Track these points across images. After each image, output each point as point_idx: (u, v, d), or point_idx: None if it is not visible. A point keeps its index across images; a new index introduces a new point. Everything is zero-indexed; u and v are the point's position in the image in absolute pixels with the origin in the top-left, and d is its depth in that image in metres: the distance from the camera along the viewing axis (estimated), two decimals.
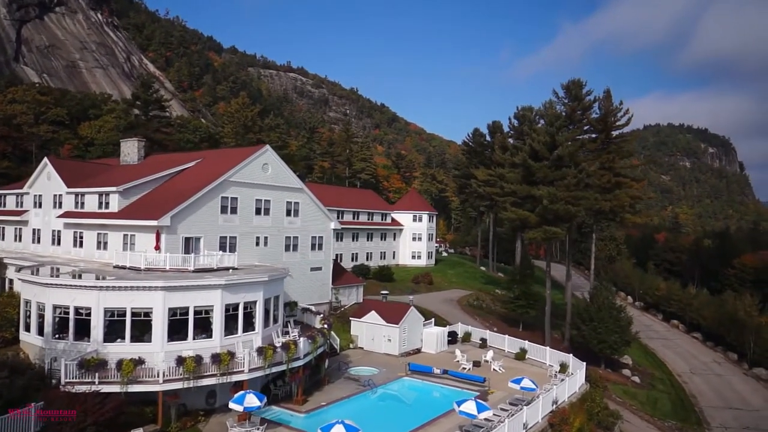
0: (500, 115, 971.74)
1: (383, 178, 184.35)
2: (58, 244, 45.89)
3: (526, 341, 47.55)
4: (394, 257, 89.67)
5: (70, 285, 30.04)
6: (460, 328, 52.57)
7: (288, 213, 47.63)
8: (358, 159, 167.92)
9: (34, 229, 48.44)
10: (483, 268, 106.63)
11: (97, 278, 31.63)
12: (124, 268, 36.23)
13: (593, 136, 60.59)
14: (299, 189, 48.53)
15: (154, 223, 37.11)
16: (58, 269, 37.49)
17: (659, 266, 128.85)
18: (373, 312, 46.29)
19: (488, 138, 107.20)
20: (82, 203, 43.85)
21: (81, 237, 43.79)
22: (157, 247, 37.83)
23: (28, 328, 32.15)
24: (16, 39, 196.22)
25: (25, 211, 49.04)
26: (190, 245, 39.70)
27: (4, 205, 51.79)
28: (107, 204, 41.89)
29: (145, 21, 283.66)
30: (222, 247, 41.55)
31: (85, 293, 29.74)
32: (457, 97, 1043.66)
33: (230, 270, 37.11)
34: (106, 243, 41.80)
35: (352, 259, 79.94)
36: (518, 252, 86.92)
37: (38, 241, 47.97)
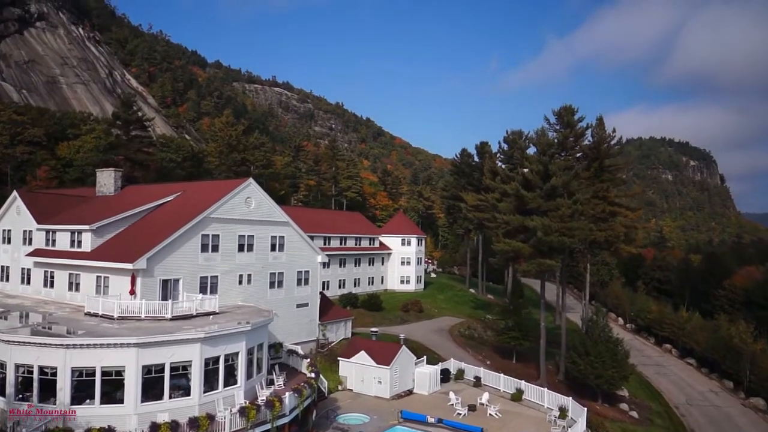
0: (486, 129, 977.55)
1: (370, 195, 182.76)
2: (28, 283, 43.19)
3: (523, 381, 45.62)
4: (382, 282, 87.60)
5: (34, 343, 27.54)
6: (453, 365, 50.53)
7: (273, 248, 45.41)
8: (345, 177, 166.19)
9: (2, 266, 45.69)
10: (472, 291, 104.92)
11: (67, 332, 29.19)
12: (96, 315, 33.77)
13: (585, 163, 59.34)
14: (284, 222, 46.39)
15: (129, 266, 34.75)
16: (26, 315, 34.95)
17: (648, 285, 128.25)
18: (362, 352, 44.12)
19: (476, 159, 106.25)
20: (54, 240, 41.30)
21: (52, 277, 41.18)
22: (132, 291, 35.44)
23: None
24: None
25: None
26: (168, 288, 37.32)
27: None
28: (79, 242, 39.40)
29: (128, 36, 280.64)
30: (203, 288, 39.25)
31: (51, 351, 27.26)
32: (443, 112, 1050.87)
33: (211, 317, 34.83)
34: (78, 284, 39.25)
35: (340, 286, 77.73)
36: (509, 277, 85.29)
37: (6, 279, 45.20)
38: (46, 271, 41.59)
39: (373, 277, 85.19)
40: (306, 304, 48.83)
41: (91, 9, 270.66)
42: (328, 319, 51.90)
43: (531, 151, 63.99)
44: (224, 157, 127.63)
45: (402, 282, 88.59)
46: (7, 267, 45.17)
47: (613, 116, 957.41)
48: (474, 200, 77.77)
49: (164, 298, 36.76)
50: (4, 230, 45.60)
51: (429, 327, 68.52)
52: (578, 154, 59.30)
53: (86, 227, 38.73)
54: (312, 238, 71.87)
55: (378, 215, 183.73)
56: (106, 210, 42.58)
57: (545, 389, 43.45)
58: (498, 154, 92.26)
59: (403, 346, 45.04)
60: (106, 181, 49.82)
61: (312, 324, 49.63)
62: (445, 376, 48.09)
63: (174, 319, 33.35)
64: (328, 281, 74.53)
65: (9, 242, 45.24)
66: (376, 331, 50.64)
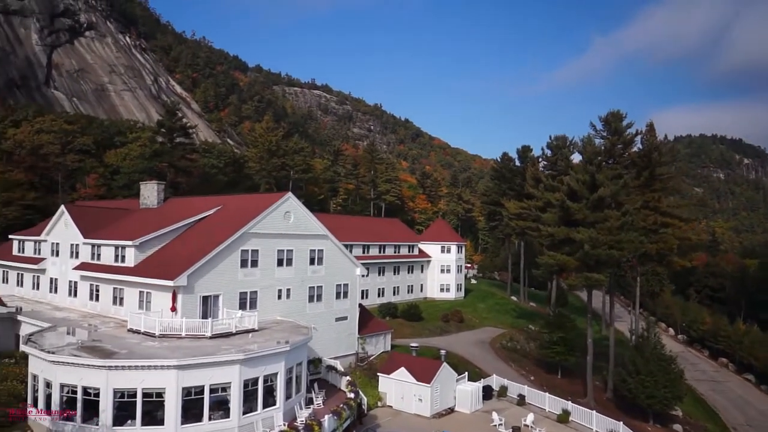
0: (527, 129, 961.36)
1: (408, 198, 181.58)
2: (75, 296, 44.11)
3: (569, 401, 43.84)
4: (422, 290, 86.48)
5: (78, 364, 27.78)
6: (496, 381, 49.12)
7: (312, 262, 45.05)
8: (383, 180, 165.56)
9: (51, 278, 46.86)
10: (514, 298, 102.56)
11: (109, 352, 29.36)
12: (138, 332, 34.02)
13: (635, 171, 56.68)
14: (323, 236, 45.94)
15: (170, 283, 34.90)
16: (73, 330, 35.54)
17: (701, 292, 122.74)
18: (402, 369, 43.20)
19: (518, 162, 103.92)
20: (99, 255, 42.02)
21: (97, 290, 41.91)
22: (174, 308, 35.59)
23: (36, 404, 30.01)
24: (47, 64, 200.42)
25: (43, 259, 47.51)
26: (208, 304, 37.38)
27: (23, 251, 50.42)
28: (123, 257, 39.95)
29: (172, 43, 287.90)
30: (242, 304, 39.16)
31: (94, 372, 27.49)
32: (483, 112, 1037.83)
33: (250, 335, 34.63)
34: (122, 299, 39.80)
35: (379, 295, 77.06)
36: (553, 284, 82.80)
37: (55, 291, 46.32)
38: (92, 285, 42.36)
39: (412, 286, 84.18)
40: (345, 318, 48.28)
41: (137, 17, 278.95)
42: (367, 332, 51.23)
43: (575, 157, 61.68)
44: (264, 163, 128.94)
45: (442, 290, 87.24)
46: (56, 279, 46.27)
47: (660, 113, 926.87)
48: (516, 208, 75.83)
49: (204, 314, 36.89)
50: (53, 243, 46.73)
51: (470, 338, 67.06)
52: (627, 162, 56.72)
53: (129, 243, 39.21)
54: (351, 246, 72.00)
55: (417, 218, 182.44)
56: (148, 224, 43.07)
57: (594, 412, 41.58)
58: (540, 159, 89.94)
59: (444, 364, 43.90)
60: (149, 193, 50.56)
61: (351, 338, 49.05)
62: (487, 393, 46.71)
63: (214, 337, 33.28)
64: (366, 290, 73.98)
65: (57, 255, 46.34)
66: (417, 347, 49.67)
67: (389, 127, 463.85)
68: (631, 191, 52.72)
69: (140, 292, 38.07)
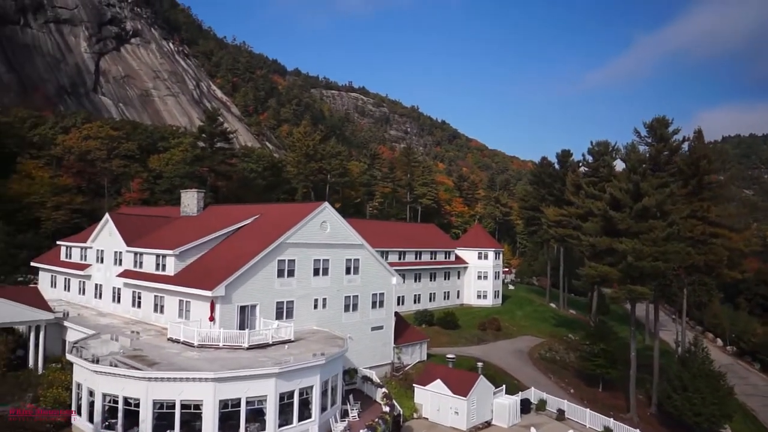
0: (566, 129, 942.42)
1: (445, 202, 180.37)
2: (118, 302, 45.29)
3: (611, 418, 42.46)
4: (458, 297, 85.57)
5: (120, 374, 28.40)
6: (534, 395, 48.04)
7: (347, 271, 45.03)
8: (420, 183, 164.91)
9: (96, 284, 48.26)
10: (553, 305, 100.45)
11: (149, 363, 29.93)
12: (177, 342, 34.62)
13: (681, 180, 54.51)
14: (359, 245, 45.86)
15: (208, 293, 35.39)
16: (116, 338, 36.46)
17: (751, 301, 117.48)
18: (438, 381, 42.70)
19: (557, 166, 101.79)
20: (141, 263, 43.02)
21: (139, 297, 42.94)
22: (212, 318, 36.07)
23: (79, 411, 30.87)
24: (95, 71, 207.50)
25: (89, 265, 48.97)
26: (245, 313, 37.76)
27: (70, 257, 52.12)
28: (164, 266, 40.77)
29: (214, 48, 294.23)
30: (279, 314, 39.44)
31: (134, 383, 28.06)
32: (520, 113, 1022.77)
33: (286, 346, 34.79)
34: (162, 306, 40.64)
35: (415, 301, 76.60)
36: (594, 292, 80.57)
37: (100, 297, 47.68)
38: (134, 292, 43.41)
39: (448, 292, 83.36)
40: (381, 327, 48.07)
41: (180, 24, 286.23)
42: (403, 341, 50.89)
43: (617, 162, 59.75)
44: (302, 167, 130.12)
45: (479, 297, 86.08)
46: (101, 285, 47.62)
47: (707, 112, 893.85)
48: (555, 215, 74.16)
49: (242, 323, 37.31)
50: (98, 250, 48.12)
51: (507, 348, 65.90)
52: (673, 170, 54.60)
53: (170, 252, 39.98)
54: (386, 253, 71.83)
55: (453, 222, 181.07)
56: (188, 233, 43.85)
57: (638, 431, 40.13)
58: (581, 164, 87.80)
59: (481, 376, 43.18)
60: (190, 201, 51.54)
61: (387, 347, 48.80)
62: (525, 406, 45.73)
63: (251, 348, 33.57)
64: (402, 296, 73.67)
65: (102, 261, 47.69)
66: (453, 358, 49.04)
67: (426, 129, 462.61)
68: (677, 200, 50.75)
69: (180, 300, 38.76)
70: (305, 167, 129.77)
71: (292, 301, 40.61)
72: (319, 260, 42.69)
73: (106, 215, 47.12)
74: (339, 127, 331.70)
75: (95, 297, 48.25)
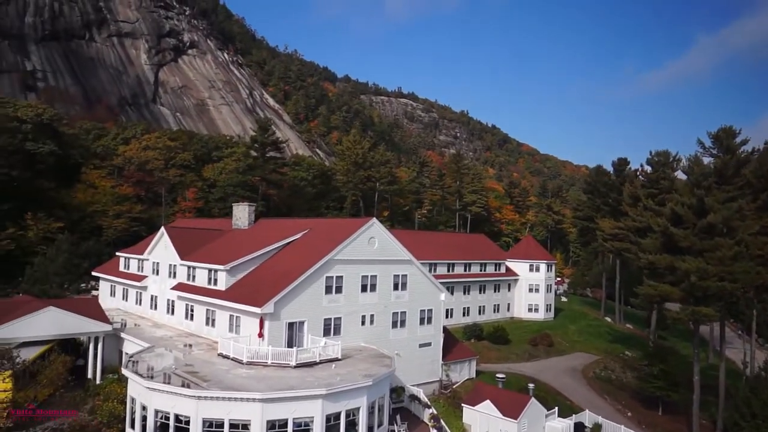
0: (622, 132, 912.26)
1: (495, 209, 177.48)
2: (172, 313, 46.47)
3: None
4: (508, 310, 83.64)
5: (171, 392, 28.92)
6: (588, 418, 46.18)
7: (395, 287, 44.60)
8: (469, 191, 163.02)
9: (152, 295, 49.72)
10: (608, 319, 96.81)
11: (197, 383, 30.37)
12: (227, 358, 35.08)
13: (750, 194, 51.27)
14: (407, 261, 45.36)
15: (257, 310, 35.74)
16: (169, 351, 37.33)
17: None
18: (488, 401, 41.67)
19: (612, 175, 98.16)
20: (194, 276, 43.99)
21: (192, 310, 43.90)
22: (261, 335, 36.39)
23: (133, 425, 31.64)
24: (154, 81, 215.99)
25: (145, 276, 50.56)
26: (293, 330, 37.92)
27: (128, 268, 53.98)
28: (215, 281, 41.52)
29: (266, 57, 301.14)
30: (326, 330, 39.42)
31: (185, 401, 28.49)
32: (574, 116, 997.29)
33: (333, 365, 34.65)
34: (214, 320, 41.37)
35: (464, 314, 75.38)
36: (653, 314, 76.94)
37: (155, 308, 49.07)
38: (187, 305, 44.42)
39: (498, 305, 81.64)
40: (429, 344, 47.36)
41: (234, 34, 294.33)
42: (451, 358, 49.97)
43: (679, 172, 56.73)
44: (351, 175, 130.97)
45: (530, 310, 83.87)
46: (156, 296, 49.03)
47: None
48: (611, 228, 71.37)
49: (290, 340, 37.49)
50: (154, 262, 49.59)
51: (560, 365, 63.79)
52: (741, 183, 51.40)
53: (221, 267, 40.68)
54: (435, 265, 71.08)
55: (503, 230, 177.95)
56: (239, 247, 44.56)
57: None
58: (638, 173, 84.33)
59: (533, 398, 41.83)
60: (241, 215, 52.44)
61: (435, 364, 48.02)
62: (579, 430, 44.03)
63: (298, 366, 33.61)
64: (451, 309, 72.62)
65: (158, 273, 49.10)
66: (503, 377, 47.75)
67: (476, 134, 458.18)
68: (746, 216, 47.74)
69: (231, 315, 39.33)
70: (354, 175, 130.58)
71: (340, 318, 40.52)
72: (367, 276, 42.46)
73: (162, 229, 48.52)
74: (388, 133, 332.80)
75: (151, 308, 49.70)
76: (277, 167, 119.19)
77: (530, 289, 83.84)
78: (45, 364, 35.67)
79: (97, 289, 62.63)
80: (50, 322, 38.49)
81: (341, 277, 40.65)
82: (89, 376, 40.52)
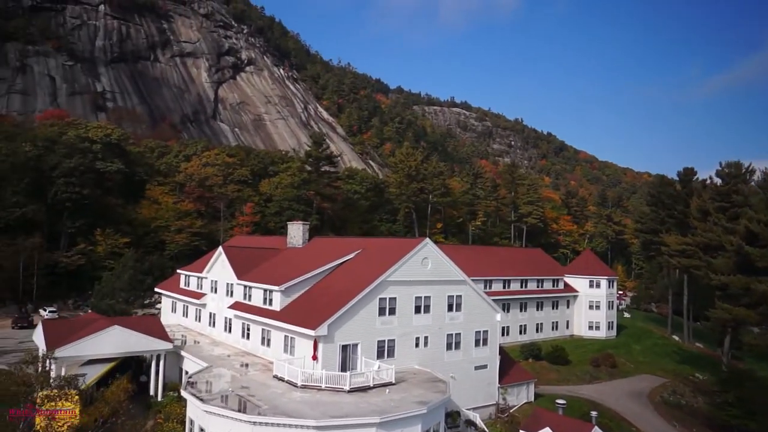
0: (684, 140, 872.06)
1: (552, 220, 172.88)
2: (230, 331, 47.36)
3: None
4: (567, 327, 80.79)
5: (227, 416, 29.25)
6: None
7: (450, 308, 43.79)
8: (525, 201, 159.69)
9: (210, 313, 50.92)
10: (676, 337, 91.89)
11: (253, 405, 30.62)
12: (282, 380, 35.27)
13: None
14: (461, 281, 44.49)
15: (311, 333, 35.81)
16: (226, 373, 37.94)
17: None
18: (547, 429, 40.05)
19: (678, 185, 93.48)
20: (250, 296, 44.71)
21: (248, 329, 44.58)
22: (315, 357, 36.41)
23: None
24: (214, 99, 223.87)
25: (204, 294, 51.88)
26: (347, 352, 37.75)
27: (188, 285, 55.61)
28: (270, 301, 42.01)
29: (320, 71, 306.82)
30: (380, 353, 39.06)
31: (240, 426, 28.72)
32: (634, 122, 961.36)
33: (387, 390, 34.19)
34: (269, 340, 41.81)
35: (520, 332, 73.39)
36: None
37: (214, 325, 50.20)
38: (244, 324, 45.16)
39: (557, 322, 78.98)
40: (485, 366, 46.17)
41: (290, 50, 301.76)
42: (508, 381, 48.53)
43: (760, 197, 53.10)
44: (404, 188, 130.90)
45: (590, 328, 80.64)
46: (214, 314, 50.17)
47: None
48: (677, 244, 67.71)
49: (344, 362, 37.35)
50: (212, 281, 50.83)
51: (624, 388, 60.86)
52: None
53: (276, 288, 41.13)
54: (490, 282, 69.69)
55: (561, 241, 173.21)
56: (293, 267, 45.00)
57: None
58: (707, 184, 79.81)
59: (596, 428, 39.89)
60: (296, 233, 53.08)
61: (491, 387, 46.75)
62: None
63: (352, 391, 33.36)
64: (507, 326, 70.84)
65: (216, 292, 50.28)
66: (563, 404, 45.88)
67: (530, 142, 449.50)
68: None
69: (285, 336, 39.62)
70: (407, 188, 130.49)
71: (393, 340, 40.07)
72: (421, 297, 41.88)
73: (220, 248, 49.68)
74: (441, 143, 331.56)
75: (210, 325, 50.89)
76: (331, 181, 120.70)
77: (590, 306, 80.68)
78: (109, 385, 37.06)
79: (160, 304, 64.84)
80: (115, 341, 39.95)
81: (394, 298, 40.25)
82: (151, 392, 41.81)
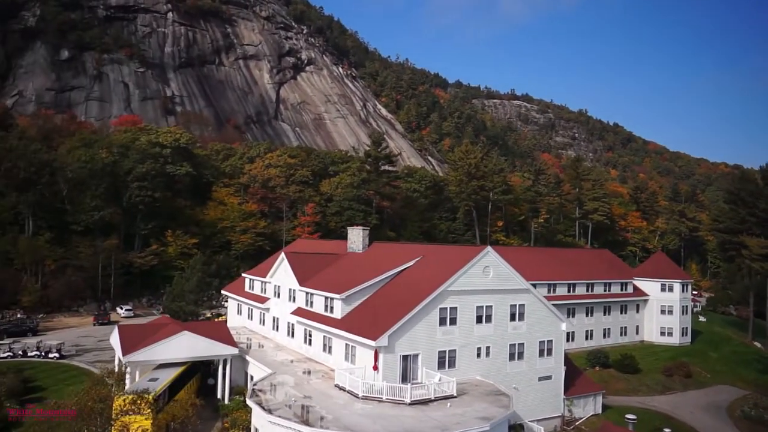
0: (764, 128, 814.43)
1: (619, 216, 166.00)
2: (292, 336, 48.24)
3: None
4: (637, 333, 77.25)
5: (290, 428, 29.75)
6: None
7: (512, 317, 42.73)
8: (590, 198, 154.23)
9: (274, 317, 52.06)
10: (758, 344, 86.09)
11: (315, 417, 31.00)
12: (343, 389, 35.58)
13: None
14: (524, 290, 43.31)
15: (372, 343, 35.87)
16: (289, 380, 38.65)
17: None
18: None
19: (760, 180, 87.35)
20: (312, 302, 45.32)
21: (310, 335, 45.24)
22: (375, 367, 36.45)
23: None
24: (275, 99, 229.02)
25: (267, 299, 53.09)
26: (407, 363, 37.60)
27: (252, 289, 57.08)
28: (332, 308, 42.42)
29: (379, 68, 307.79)
30: (441, 363, 38.67)
31: None
32: (707, 109, 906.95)
33: (448, 403, 33.80)
34: (330, 347, 42.26)
35: (587, 338, 70.89)
36: None
37: (277, 329, 51.31)
38: (306, 329, 45.88)
39: (625, 327, 75.68)
40: (549, 377, 44.80)
41: (348, 49, 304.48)
42: (574, 392, 46.97)
43: None
44: (464, 186, 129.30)
45: (662, 334, 76.68)
46: (278, 318, 51.27)
47: None
48: (760, 247, 63.27)
49: (404, 373, 37.24)
50: (275, 285, 51.93)
51: (699, 401, 57.59)
52: None
53: (337, 296, 41.48)
54: (554, 286, 67.77)
55: (629, 238, 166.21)
56: (354, 274, 45.27)
57: None
58: None
59: None
60: (356, 238, 53.39)
61: (556, 398, 45.34)
62: None
63: (413, 404, 33.19)
64: (573, 332, 68.51)
65: (279, 296, 51.32)
66: (634, 419, 43.88)
67: (596, 134, 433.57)
68: None
69: (346, 344, 39.91)
70: (467, 186, 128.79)
71: (454, 350, 39.56)
72: (482, 307, 41.11)
73: (282, 254, 50.59)
74: (501, 137, 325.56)
75: (273, 329, 52.05)
76: (390, 180, 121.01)
77: (662, 311, 76.74)
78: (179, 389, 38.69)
79: (226, 306, 67.01)
80: (184, 346, 41.51)
81: (455, 308, 39.70)
82: (218, 395, 43.25)
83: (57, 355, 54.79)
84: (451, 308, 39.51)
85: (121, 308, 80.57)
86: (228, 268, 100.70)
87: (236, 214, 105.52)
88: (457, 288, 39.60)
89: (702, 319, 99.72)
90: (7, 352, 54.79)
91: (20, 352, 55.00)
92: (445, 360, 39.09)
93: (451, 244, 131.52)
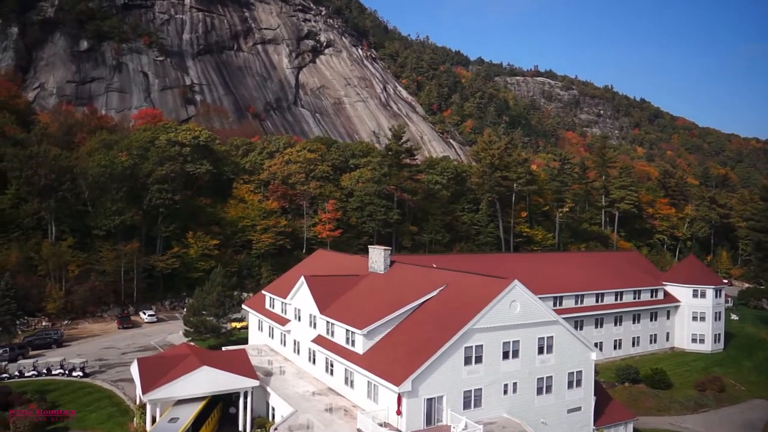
0: None
1: (647, 204, 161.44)
2: (314, 363, 47.44)
3: None
4: (667, 339, 74.98)
5: None
6: None
7: (540, 351, 41.19)
8: (616, 186, 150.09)
9: (295, 340, 51.29)
10: None
11: None
12: None
13: None
14: (553, 321, 41.62)
15: (395, 388, 34.76)
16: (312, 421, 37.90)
17: None
18: None
19: None
20: (332, 332, 44.34)
21: (332, 365, 44.34)
22: (399, 412, 35.45)
23: None
24: (295, 84, 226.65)
25: (288, 320, 52.27)
26: (432, 405, 36.55)
27: (273, 307, 56.36)
28: (353, 342, 41.39)
29: (399, 49, 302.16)
30: (466, 403, 37.51)
31: None
32: (740, 84, 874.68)
33: None
34: (352, 381, 41.31)
35: (615, 347, 69.02)
36: None
37: (298, 353, 50.54)
38: (327, 358, 44.98)
39: (655, 335, 73.45)
40: (578, 409, 43.36)
41: (367, 29, 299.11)
42: (604, 421, 45.44)
43: None
44: (486, 177, 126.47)
45: (694, 341, 74.28)
46: (299, 342, 50.46)
47: None
48: None
49: (428, 415, 36.27)
50: (296, 308, 51.02)
51: (735, 419, 55.63)
52: None
53: (359, 331, 40.36)
54: (581, 297, 65.81)
55: (657, 226, 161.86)
56: (375, 302, 44.15)
57: None
58: None
59: None
60: (377, 258, 52.01)
61: (585, 430, 43.94)
62: None
63: None
64: (601, 342, 66.76)
65: (299, 320, 50.43)
66: None
67: (622, 110, 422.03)
68: None
69: (368, 382, 38.90)
70: (490, 178, 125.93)
71: (480, 389, 38.28)
72: (509, 342, 39.63)
73: (302, 279, 49.38)
74: (524, 116, 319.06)
75: (294, 352, 51.31)
76: (412, 174, 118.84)
77: (694, 318, 74.21)
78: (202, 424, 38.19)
79: (246, 321, 66.43)
80: (204, 380, 40.99)
81: (481, 346, 38.30)
82: (240, 427, 42.80)
83: (80, 373, 54.99)
84: (476, 346, 38.15)
85: (144, 313, 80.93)
86: (249, 267, 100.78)
87: (257, 213, 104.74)
88: (482, 325, 38.14)
89: (734, 317, 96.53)
90: (32, 370, 55.17)
91: (44, 371, 55.33)
92: (471, 399, 37.90)
93: (474, 236, 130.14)
